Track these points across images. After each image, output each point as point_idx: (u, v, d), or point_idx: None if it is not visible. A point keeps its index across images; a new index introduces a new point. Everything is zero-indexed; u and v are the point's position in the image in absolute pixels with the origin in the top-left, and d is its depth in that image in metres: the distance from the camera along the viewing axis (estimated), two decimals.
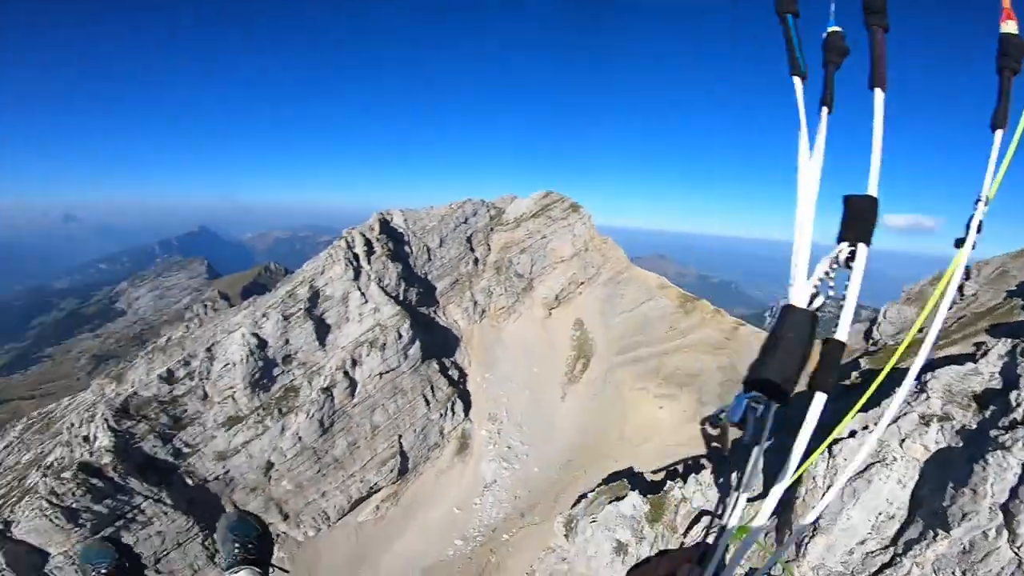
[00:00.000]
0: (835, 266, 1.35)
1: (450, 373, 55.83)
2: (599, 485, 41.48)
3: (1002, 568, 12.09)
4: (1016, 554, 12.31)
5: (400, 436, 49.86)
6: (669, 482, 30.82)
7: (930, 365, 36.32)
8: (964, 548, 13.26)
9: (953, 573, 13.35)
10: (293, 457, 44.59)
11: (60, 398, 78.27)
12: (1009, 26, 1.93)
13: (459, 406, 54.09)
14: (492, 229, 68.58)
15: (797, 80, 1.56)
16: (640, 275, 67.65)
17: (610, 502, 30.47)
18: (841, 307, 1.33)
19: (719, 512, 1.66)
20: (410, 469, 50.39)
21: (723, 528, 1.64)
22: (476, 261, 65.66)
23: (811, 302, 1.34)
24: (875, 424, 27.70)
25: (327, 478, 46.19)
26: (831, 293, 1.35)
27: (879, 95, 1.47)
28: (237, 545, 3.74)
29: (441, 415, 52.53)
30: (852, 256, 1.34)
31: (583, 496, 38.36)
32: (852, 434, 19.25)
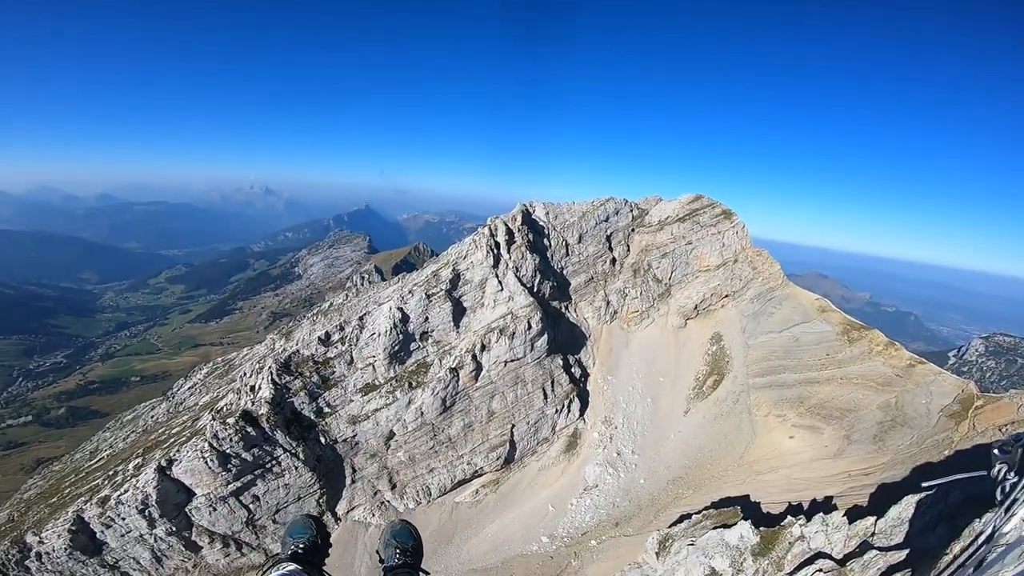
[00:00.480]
0: None
1: (572, 370, 55.39)
2: (706, 508, 38.42)
3: None
4: None
5: (513, 425, 50.74)
6: (790, 517, 27.39)
7: None
8: None
9: None
10: (413, 431, 47.62)
11: (242, 347, 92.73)
12: None
13: (575, 404, 53.51)
14: (633, 230, 66.34)
15: None
16: (797, 294, 60.89)
17: (715, 527, 27.94)
18: None
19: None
20: (516, 459, 51.14)
21: None
22: (613, 261, 64.09)
23: None
24: None
25: (438, 455, 48.65)
26: None
27: None
28: (398, 550, 4.64)
29: (557, 411, 52.42)
30: None
31: (686, 516, 35.85)
32: None
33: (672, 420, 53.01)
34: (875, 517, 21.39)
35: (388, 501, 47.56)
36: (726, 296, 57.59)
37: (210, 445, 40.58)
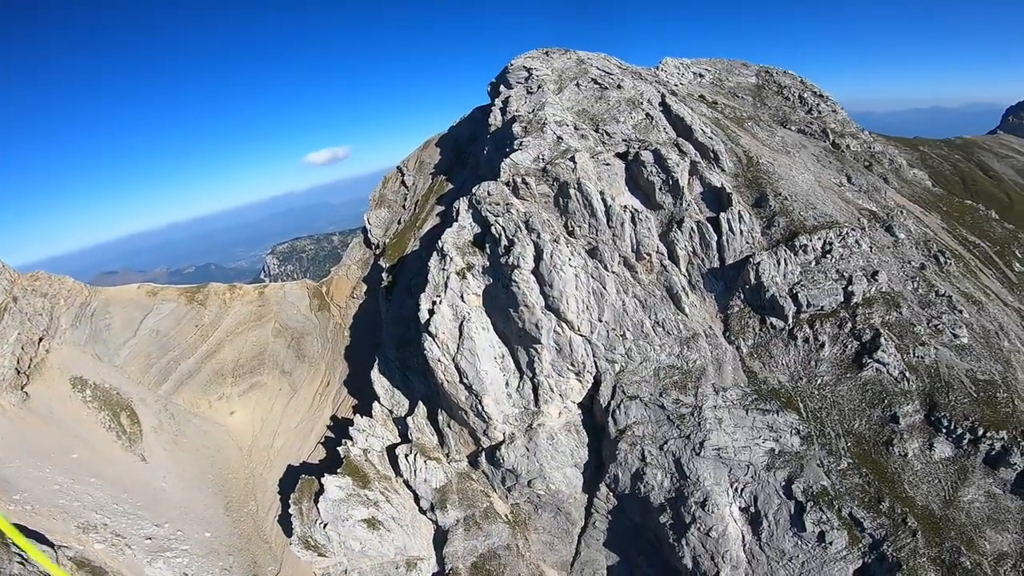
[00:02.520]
0: None
1: None
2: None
3: None
4: None
5: None
6: None
7: (437, 232, 42.86)
8: None
9: None
10: None
11: None
12: None
13: None
14: None
15: None
16: (116, 294, 53.39)
17: None
18: None
19: None
20: None
21: None
22: None
23: None
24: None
25: None
26: None
27: None
28: None
29: None
30: None
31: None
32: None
33: (128, 475, 40.05)
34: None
35: None
36: (41, 339, 43.90)
37: None
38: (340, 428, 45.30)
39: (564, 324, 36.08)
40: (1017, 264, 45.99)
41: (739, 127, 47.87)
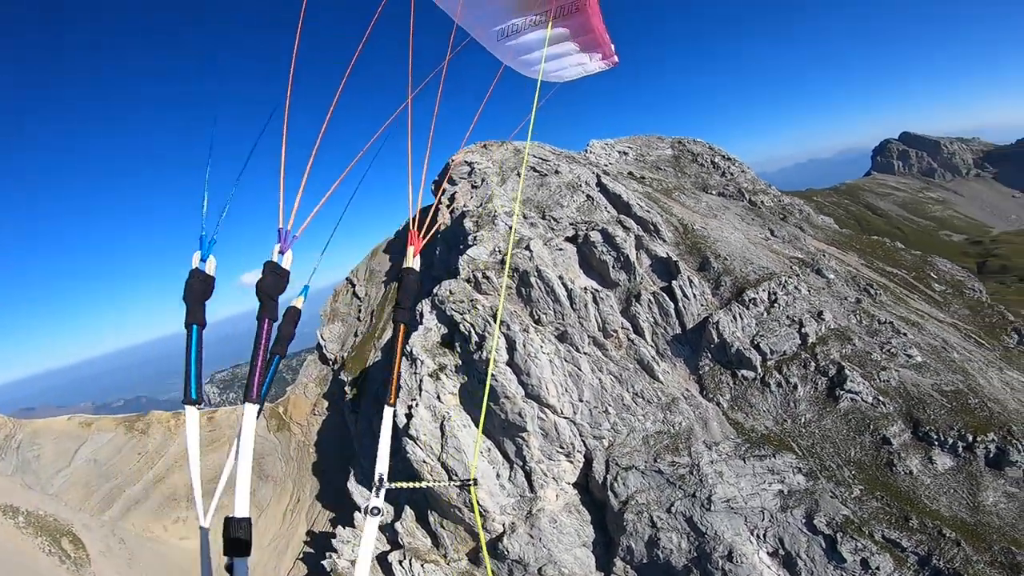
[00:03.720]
0: None
1: None
2: None
3: None
4: None
5: None
6: None
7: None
8: None
9: None
10: None
11: None
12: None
13: None
14: None
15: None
16: (42, 426, 50.02)
17: None
18: None
19: None
20: None
21: None
22: None
23: None
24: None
25: None
26: None
27: None
28: None
29: None
30: None
31: None
32: None
33: None
34: None
35: None
36: None
37: None
38: (319, 542, 43.94)
39: (547, 409, 35.85)
40: (936, 284, 50.98)
41: (668, 198, 52.05)
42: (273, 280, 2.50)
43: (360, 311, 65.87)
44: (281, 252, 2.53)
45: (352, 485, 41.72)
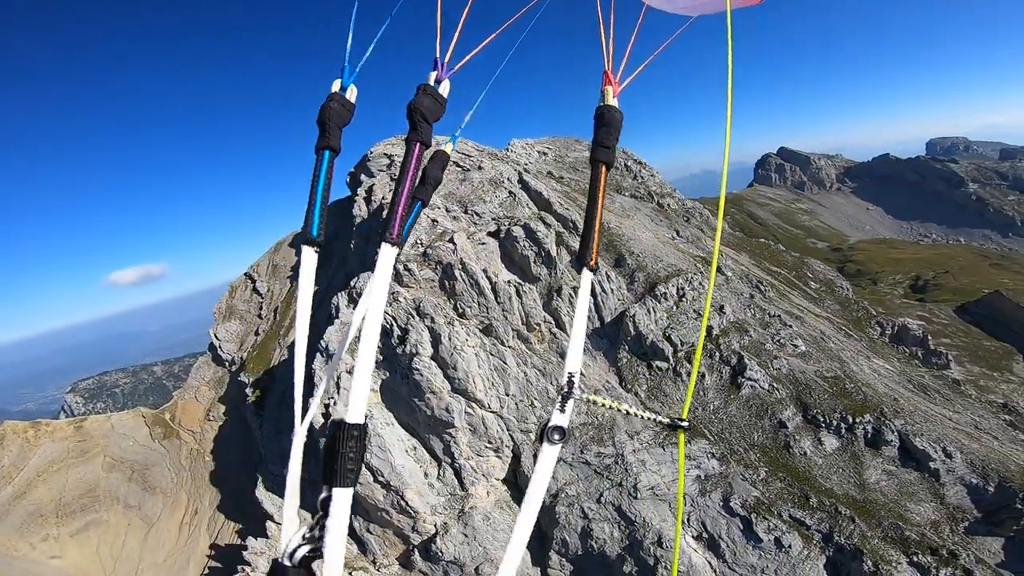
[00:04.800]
0: None
1: None
2: None
3: None
4: None
5: None
6: None
7: (309, 336, 39.77)
8: None
9: None
10: None
11: None
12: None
13: None
14: None
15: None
16: None
17: None
18: None
19: None
20: None
21: None
22: None
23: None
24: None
25: None
26: None
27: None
28: None
29: None
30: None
31: None
32: None
33: None
34: None
35: None
36: None
37: None
38: (226, 556, 40.64)
39: (474, 404, 35.45)
40: (812, 283, 57.34)
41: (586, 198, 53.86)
42: (430, 103, 2.17)
43: (262, 308, 61.06)
44: (437, 81, 2.23)
45: (261, 493, 38.40)
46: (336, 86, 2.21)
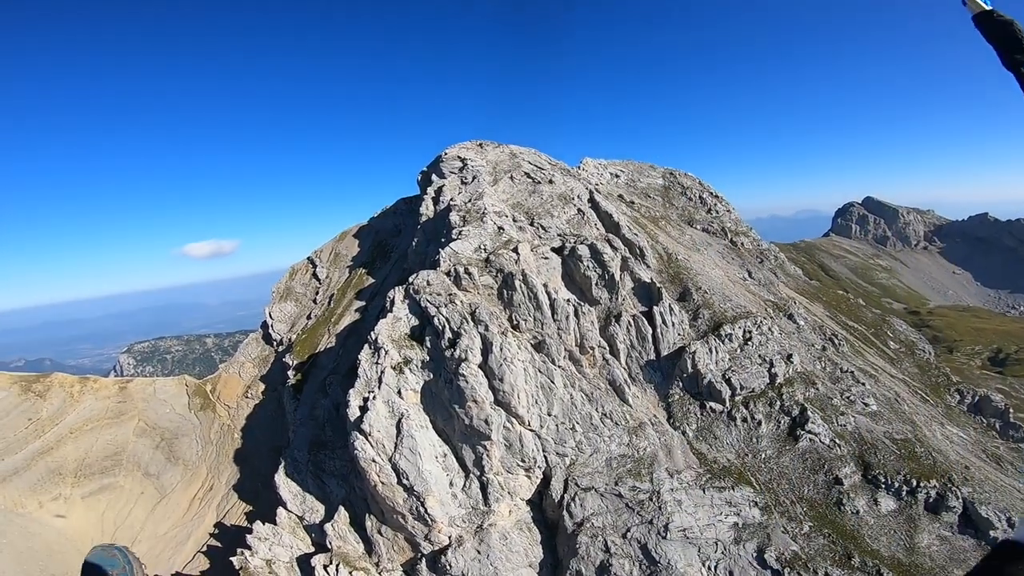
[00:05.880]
0: None
1: None
2: None
3: None
4: None
5: None
6: None
7: (356, 328, 39.74)
8: None
9: None
10: None
11: None
12: None
13: None
14: None
15: None
16: None
17: None
18: None
19: None
20: None
21: None
22: None
23: None
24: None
25: None
26: None
27: None
28: None
29: None
30: None
31: None
32: None
33: None
34: None
35: None
36: None
37: None
38: (229, 537, 40.09)
39: (514, 419, 34.15)
40: (891, 343, 52.85)
41: (655, 226, 51.88)
42: None
43: (318, 293, 62.32)
44: None
45: (280, 478, 37.87)
46: None
